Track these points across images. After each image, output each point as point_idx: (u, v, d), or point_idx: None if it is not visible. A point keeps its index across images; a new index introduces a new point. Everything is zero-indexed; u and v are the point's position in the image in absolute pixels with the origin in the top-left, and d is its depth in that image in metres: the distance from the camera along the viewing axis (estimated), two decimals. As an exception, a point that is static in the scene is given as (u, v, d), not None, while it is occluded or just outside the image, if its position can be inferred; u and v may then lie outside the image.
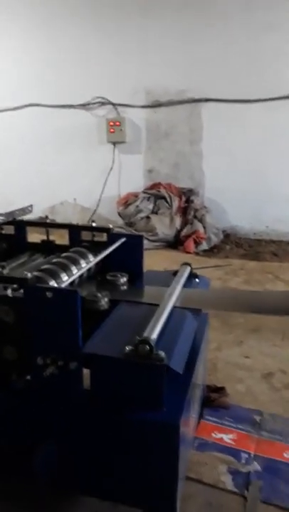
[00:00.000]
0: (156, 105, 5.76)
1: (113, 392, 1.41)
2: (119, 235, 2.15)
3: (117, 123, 5.86)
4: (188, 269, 2.06)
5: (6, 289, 1.45)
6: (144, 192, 5.71)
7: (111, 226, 2.20)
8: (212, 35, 5.29)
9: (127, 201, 5.73)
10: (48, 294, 1.37)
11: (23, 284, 1.41)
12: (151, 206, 5.61)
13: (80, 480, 1.56)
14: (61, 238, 2.27)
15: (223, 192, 5.55)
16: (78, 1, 5.72)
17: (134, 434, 1.41)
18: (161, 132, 5.83)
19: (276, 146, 5.32)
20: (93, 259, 1.92)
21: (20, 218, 2.28)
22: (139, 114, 5.83)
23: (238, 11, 5.15)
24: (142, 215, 5.54)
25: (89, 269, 1.99)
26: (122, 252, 2.09)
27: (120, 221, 5.70)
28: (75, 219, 5.81)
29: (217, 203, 5.59)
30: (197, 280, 2.07)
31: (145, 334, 1.36)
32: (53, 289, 1.40)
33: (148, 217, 5.50)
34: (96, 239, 2.18)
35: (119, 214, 5.70)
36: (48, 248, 2.26)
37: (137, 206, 5.59)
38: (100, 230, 2.23)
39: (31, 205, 2.50)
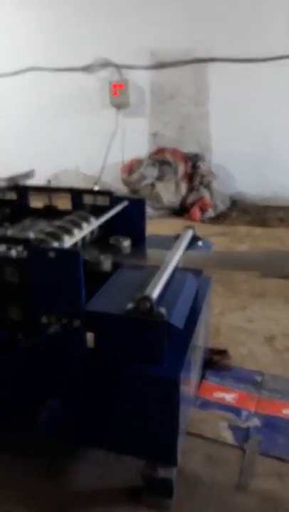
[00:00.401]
0: (160, 66, 5.64)
1: (115, 349, 1.49)
2: (121, 199, 2.19)
3: (121, 85, 5.76)
4: (190, 232, 2.10)
5: (9, 249, 1.52)
6: (148, 158, 5.68)
7: (113, 190, 2.24)
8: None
9: (131, 168, 5.70)
10: (51, 254, 1.43)
11: (26, 245, 1.47)
12: (155, 173, 5.59)
13: (85, 433, 1.67)
14: (64, 205, 2.32)
15: (230, 157, 5.50)
16: None
17: (136, 388, 1.50)
18: (166, 94, 5.73)
19: (285, 108, 5.23)
20: (95, 222, 1.97)
21: (22, 183, 2.31)
22: (142, 75, 5.71)
23: None
24: (147, 182, 5.53)
25: (92, 233, 2.04)
26: (124, 216, 2.13)
27: (124, 189, 5.69)
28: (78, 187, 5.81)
29: (224, 169, 5.56)
30: (200, 243, 2.12)
31: (146, 292, 1.43)
32: (55, 249, 1.46)
33: (153, 185, 5.50)
34: (99, 203, 2.22)
35: (123, 181, 5.69)
36: (50, 213, 2.31)
37: (142, 173, 5.57)
38: (102, 193, 2.27)
39: (33, 170, 2.53)
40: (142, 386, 1.49)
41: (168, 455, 1.56)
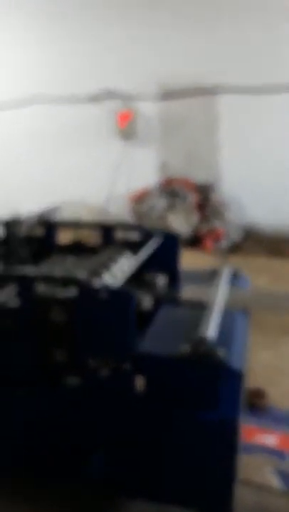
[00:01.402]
0: (168, 96, 5.84)
1: (167, 393, 1.50)
2: (153, 234, 2.24)
3: (128, 115, 5.94)
4: (228, 268, 2.15)
5: (57, 289, 1.55)
6: (158, 188, 5.79)
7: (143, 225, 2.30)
8: (227, 22, 5.36)
9: (140, 198, 5.81)
10: (102, 295, 1.47)
11: (76, 284, 1.50)
12: (165, 203, 5.70)
13: (131, 482, 1.65)
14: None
15: (243, 187, 5.62)
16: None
17: (190, 434, 1.50)
18: (175, 125, 5.90)
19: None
20: (132, 259, 2.01)
21: (50, 219, 2.37)
22: (150, 105, 5.90)
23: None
24: (157, 212, 5.63)
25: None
26: (156, 251, 2.18)
27: (133, 219, 5.78)
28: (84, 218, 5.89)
29: (236, 199, 5.66)
30: (238, 279, 2.17)
31: (202, 334, 1.45)
32: (107, 289, 1.49)
33: (163, 215, 5.59)
34: (131, 239, 2.28)
35: (133, 212, 5.78)
36: (78, 249, 2.36)
37: (151, 203, 5.67)
38: (134, 228, 2.33)
39: (59, 207, 2.60)
40: (197, 432, 1.49)
41: (223, 506, 1.54)
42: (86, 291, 1.49)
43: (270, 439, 2.15)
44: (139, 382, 1.54)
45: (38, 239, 2.33)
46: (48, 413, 1.62)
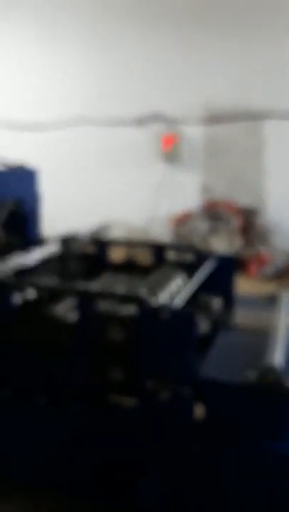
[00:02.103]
0: (214, 120, 5.87)
1: (228, 422, 1.44)
2: (208, 255, 2.21)
3: (172, 138, 6.00)
4: (287, 295, 2.08)
5: (116, 306, 1.53)
6: (200, 210, 5.78)
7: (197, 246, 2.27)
8: (275, 46, 5.39)
9: (181, 220, 5.80)
10: (164, 315, 1.44)
11: (138, 303, 1.47)
12: (208, 226, 5.66)
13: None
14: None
15: (288, 211, 5.54)
16: (130, 13, 5.97)
17: (253, 466, 1.42)
18: (220, 148, 5.91)
19: None
20: (188, 280, 1.98)
21: (102, 238, 2.38)
22: (195, 129, 5.94)
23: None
24: (199, 235, 5.59)
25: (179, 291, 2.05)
26: (212, 273, 2.13)
27: (174, 241, 5.76)
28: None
29: (281, 224, 5.57)
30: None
31: (270, 361, 1.39)
32: (170, 309, 1.46)
33: (205, 238, 5.55)
34: (185, 260, 2.25)
35: (174, 234, 5.77)
36: (130, 268, 2.35)
37: (193, 226, 5.65)
38: (187, 249, 2.31)
39: (109, 225, 2.62)
40: (262, 464, 1.41)
41: None
42: (147, 309, 1.47)
43: None
44: (199, 409, 1.49)
45: (91, 256, 2.33)
46: (99, 432, 1.58)
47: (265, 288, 4.39)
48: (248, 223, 5.57)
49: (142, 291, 1.50)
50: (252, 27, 5.51)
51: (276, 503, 1.40)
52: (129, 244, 2.38)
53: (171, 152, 6.10)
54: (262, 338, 1.67)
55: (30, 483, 1.78)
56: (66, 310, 1.72)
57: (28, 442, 1.66)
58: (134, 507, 1.54)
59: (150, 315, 1.45)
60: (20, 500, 1.78)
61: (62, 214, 5.29)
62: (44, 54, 6.45)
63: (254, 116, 5.64)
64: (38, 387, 1.62)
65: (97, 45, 6.25)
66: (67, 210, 6.05)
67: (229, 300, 2.15)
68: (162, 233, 6.04)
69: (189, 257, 2.28)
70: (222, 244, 5.48)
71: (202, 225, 5.67)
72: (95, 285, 1.87)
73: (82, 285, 1.55)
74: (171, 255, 2.36)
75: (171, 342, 1.44)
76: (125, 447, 1.57)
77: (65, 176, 6.44)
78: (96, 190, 6.36)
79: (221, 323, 1.89)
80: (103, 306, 1.68)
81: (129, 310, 1.57)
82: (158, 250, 2.32)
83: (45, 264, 2.04)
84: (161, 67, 5.97)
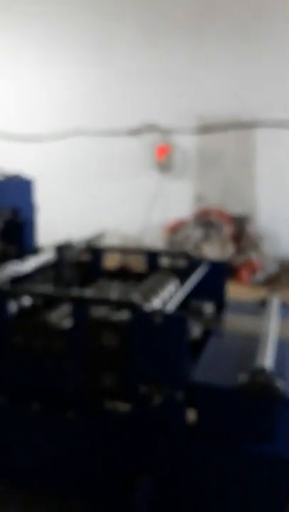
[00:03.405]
0: (206, 130, 5.90)
1: (220, 425, 1.43)
2: (201, 261, 2.20)
3: (166, 148, 6.02)
4: (277, 299, 2.08)
5: (110, 312, 1.52)
6: (193, 219, 5.79)
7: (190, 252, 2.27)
8: (265, 58, 5.44)
9: (174, 228, 5.81)
10: (157, 319, 1.43)
11: (131, 308, 1.46)
12: (200, 233, 5.67)
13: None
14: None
15: (278, 219, 5.56)
16: (125, 26, 6.01)
17: (243, 468, 1.41)
18: (211, 158, 5.94)
19: None
20: (181, 286, 1.97)
21: (97, 245, 2.37)
22: (188, 139, 5.97)
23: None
24: (192, 242, 5.60)
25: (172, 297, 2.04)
26: (204, 278, 2.13)
27: (167, 249, 5.76)
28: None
29: (272, 231, 5.59)
30: (287, 310, 2.09)
31: (260, 364, 1.38)
32: (163, 314, 1.45)
33: (198, 245, 5.55)
34: (177, 266, 2.24)
35: (168, 241, 5.77)
36: (123, 274, 2.34)
37: (186, 233, 5.66)
38: (180, 255, 2.31)
39: (104, 233, 2.61)
40: (251, 465, 1.39)
41: None
42: (141, 314, 1.46)
43: None
44: (191, 413, 1.47)
45: (86, 264, 2.32)
46: (93, 438, 1.56)
47: (256, 294, 4.39)
48: (240, 231, 5.58)
49: (136, 297, 1.48)
50: (243, 40, 5.57)
51: (269, 504, 1.39)
52: (124, 251, 2.37)
53: (165, 162, 6.12)
54: (253, 342, 1.67)
55: (28, 487, 1.75)
56: (61, 317, 1.71)
57: (24, 447, 1.64)
58: (130, 510, 1.51)
59: (143, 320, 1.44)
60: (20, 501, 1.75)
61: (58, 223, 5.27)
62: (40, 66, 6.49)
63: (245, 126, 5.67)
64: (32, 394, 1.60)
65: (93, 58, 6.28)
66: (63, 219, 6.05)
67: (221, 305, 2.15)
68: (156, 241, 6.04)
69: (182, 263, 2.28)
70: (214, 252, 5.49)
71: (195, 233, 5.68)
72: (89, 292, 1.85)
73: (76, 292, 1.54)
74: (164, 261, 2.36)
75: (165, 346, 1.43)
76: (119, 452, 1.55)
77: (61, 186, 6.45)
78: (91, 200, 6.37)
79: (212, 328, 1.88)
80: (97, 312, 1.67)
81: (123, 316, 1.57)
82: (151, 257, 2.32)
83: (40, 272, 2.03)
84: (156, 79, 6.01)
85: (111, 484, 1.55)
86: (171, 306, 1.65)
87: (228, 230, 5.60)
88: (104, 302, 1.53)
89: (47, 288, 1.66)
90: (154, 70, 5.96)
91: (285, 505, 1.39)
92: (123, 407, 1.55)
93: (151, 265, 2.30)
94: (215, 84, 5.70)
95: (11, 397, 1.64)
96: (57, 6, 6.21)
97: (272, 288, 4.97)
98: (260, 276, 5.20)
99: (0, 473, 1.70)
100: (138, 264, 2.67)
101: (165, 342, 1.43)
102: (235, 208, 5.85)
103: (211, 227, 5.69)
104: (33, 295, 1.72)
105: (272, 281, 5.19)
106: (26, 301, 1.80)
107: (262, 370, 1.34)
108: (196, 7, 5.67)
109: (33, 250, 2.31)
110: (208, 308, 2.03)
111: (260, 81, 5.47)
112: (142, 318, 1.45)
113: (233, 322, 1.97)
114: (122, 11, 5.98)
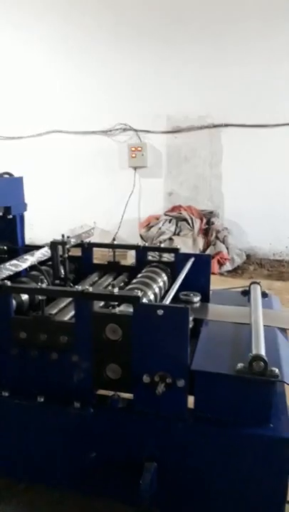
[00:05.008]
0: (176, 131, 5.90)
1: (219, 410, 1.42)
2: (187, 255, 2.19)
3: (139, 148, 5.98)
4: (259, 288, 2.09)
5: (113, 307, 1.48)
6: (165, 214, 5.78)
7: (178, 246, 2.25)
8: (231, 62, 5.46)
9: (149, 223, 5.79)
10: (159, 312, 1.40)
11: (134, 302, 1.43)
12: (173, 228, 5.67)
13: (176, 501, 1.54)
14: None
15: (243, 214, 5.64)
16: (99, 28, 5.89)
17: (242, 450, 1.41)
18: (182, 156, 5.95)
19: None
20: (167, 278, 1.95)
21: (87, 241, 2.31)
22: (160, 139, 5.95)
23: (257, 39, 5.33)
24: (165, 236, 5.59)
25: (161, 289, 2.02)
26: (190, 271, 2.12)
27: (141, 243, 5.73)
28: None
29: (236, 225, 5.68)
30: (267, 298, 2.11)
31: (256, 352, 1.38)
32: (164, 306, 1.43)
33: (170, 239, 5.55)
34: (165, 259, 2.22)
35: (141, 236, 5.74)
36: (114, 269, 2.30)
37: (160, 228, 5.64)
38: (168, 250, 2.29)
39: (93, 228, 2.56)
40: (250, 447, 1.40)
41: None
42: (143, 307, 1.43)
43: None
44: (191, 399, 1.46)
45: (77, 259, 2.26)
46: (101, 430, 1.53)
47: (225, 283, 4.46)
48: (208, 225, 5.63)
49: (136, 291, 1.45)
50: (210, 46, 5.57)
51: (268, 485, 1.40)
52: (113, 246, 2.32)
53: (139, 161, 6.09)
54: (242, 330, 1.67)
55: (29, 482, 1.70)
56: (60, 311, 1.66)
57: (27, 441, 1.58)
58: (134, 501, 1.48)
59: (145, 313, 1.41)
60: (20, 500, 1.70)
61: (35, 220, 5.08)
62: (20, 68, 6.31)
63: (212, 127, 5.71)
64: (36, 387, 1.54)
65: (71, 63, 6.17)
66: (42, 217, 5.87)
67: (206, 295, 2.15)
68: (131, 236, 6.01)
69: (169, 257, 2.26)
70: (186, 245, 5.50)
71: (167, 228, 5.68)
72: (89, 286, 1.80)
73: (78, 287, 1.48)
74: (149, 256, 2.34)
75: (166, 337, 1.41)
76: (124, 442, 1.52)
77: (38, 185, 6.28)
78: (66, 198, 6.29)
79: (200, 318, 1.87)
80: (99, 306, 1.63)
81: (123, 309, 1.53)
82: (141, 252, 2.29)
83: (36, 268, 1.96)
84: (129, 83, 5.96)
85: (116, 474, 1.52)
86: (167, 298, 1.63)
87: (198, 224, 5.63)
88: (108, 297, 1.48)
89: (45, 284, 1.59)
90: (127, 74, 5.90)
91: (282, 488, 1.40)
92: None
93: (139, 259, 2.27)
94: (184, 88, 5.70)
95: (14, 391, 1.58)
96: (41, 17, 6.04)
97: (238, 277, 5.05)
98: (228, 267, 5.27)
99: (5, 467, 1.64)
100: (121, 258, 2.63)
101: (167, 333, 1.40)
102: (204, 204, 5.91)
103: (183, 221, 5.70)
104: (33, 291, 1.65)
105: (238, 271, 5.28)
106: (26, 297, 1.74)
107: (259, 357, 1.34)
108: (165, 19, 5.65)
109: (26, 247, 2.23)
110: (195, 299, 2.02)
111: (225, 84, 5.50)
112: (144, 311, 1.42)
113: (220, 311, 1.97)
114: (98, 21, 5.89)
